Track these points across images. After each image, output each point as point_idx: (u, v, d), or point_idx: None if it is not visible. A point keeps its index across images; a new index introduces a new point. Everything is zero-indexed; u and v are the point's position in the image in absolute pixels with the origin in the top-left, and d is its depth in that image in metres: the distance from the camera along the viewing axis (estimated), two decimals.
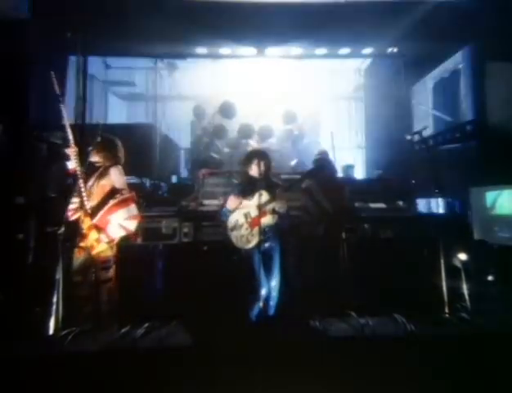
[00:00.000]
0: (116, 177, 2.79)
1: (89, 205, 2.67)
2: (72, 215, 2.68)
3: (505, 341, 2.05)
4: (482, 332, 2.19)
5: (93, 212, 2.66)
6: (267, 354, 1.92)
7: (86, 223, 2.63)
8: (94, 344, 1.96)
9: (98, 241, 2.62)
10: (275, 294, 2.95)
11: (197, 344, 2.03)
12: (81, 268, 2.67)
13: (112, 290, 2.73)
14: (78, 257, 2.68)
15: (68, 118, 2.71)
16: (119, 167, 2.85)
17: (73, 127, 2.83)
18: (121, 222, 2.68)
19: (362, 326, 2.14)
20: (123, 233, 2.71)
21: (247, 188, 3.06)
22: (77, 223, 2.69)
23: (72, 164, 2.70)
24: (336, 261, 3.40)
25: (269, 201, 2.93)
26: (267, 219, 2.93)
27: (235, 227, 3.00)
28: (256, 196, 2.95)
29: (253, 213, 2.96)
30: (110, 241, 2.68)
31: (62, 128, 2.70)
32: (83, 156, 2.75)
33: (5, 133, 4.05)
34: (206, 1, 4.43)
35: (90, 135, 3.46)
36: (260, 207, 2.91)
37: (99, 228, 2.64)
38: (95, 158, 2.84)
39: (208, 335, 2.11)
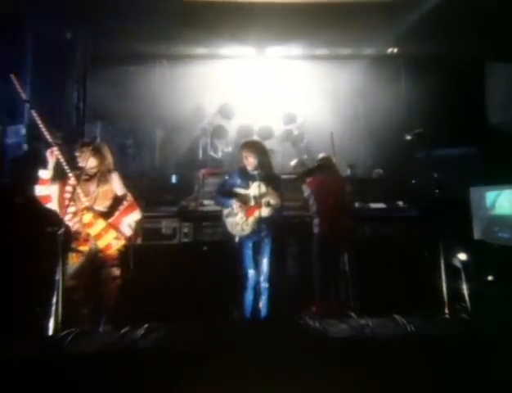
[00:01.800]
0: (118, 182, 2.92)
1: (96, 207, 2.79)
2: (71, 220, 2.73)
3: (505, 342, 2.05)
4: (482, 332, 2.19)
5: (107, 213, 2.81)
6: (267, 354, 1.91)
7: (99, 224, 2.74)
8: (94, 344, 1.96)
9: (118, 238, 2.80)
10: (266, 285, 2.97)
11: (197, 344, 2.02)
12: (77, 273, 2.71)
13: (119, 287, 2.84)
14: (76, 261, 2.72)
15: (40, 120, 2.66)
16: (117, 172, 2.96)
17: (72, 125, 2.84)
18: (130, 223, 2.89)
19: (362, 326, 2.14)
20: (130, 232, 2.90)
21: (245, 177, 3.07)
22: (76, 226, 2.75)
23: (46, 174, 2.71)
24: (336, 261, 3.40)
25: (265, 194, 2.94)
26: (262, 211, 2.95)
27: (231, 214, 3.04)
28: (254, 187, 2.97)
29: (249, 203, 2.98)
30: (126, 239, 2.85)
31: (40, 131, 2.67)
32: (75, 158, 2.83)
33: (4, 133, 4.05)
34: (206, 1, 4.42)
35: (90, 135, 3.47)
36: (256, 198, 2.93)
37: (116, 228, 2.80)
38: (88, 163, 2.84)
39: (207, 335, 2.11)
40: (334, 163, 3.61)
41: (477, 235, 4.10)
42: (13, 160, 4.12)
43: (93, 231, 2.73)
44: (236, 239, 3.05)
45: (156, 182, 5.20)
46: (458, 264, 3.19)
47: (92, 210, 2.75)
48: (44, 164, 2.72)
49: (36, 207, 3.88)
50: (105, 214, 2.80)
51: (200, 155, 5.66)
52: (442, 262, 2.70)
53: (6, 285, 3.20)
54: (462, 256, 3.35)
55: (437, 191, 2.86)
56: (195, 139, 5.87)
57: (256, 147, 3.12)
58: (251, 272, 2.97)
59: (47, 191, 2.73)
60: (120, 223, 2.83)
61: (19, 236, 3.80)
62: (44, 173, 2.72)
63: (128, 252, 2.98)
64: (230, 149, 5.84)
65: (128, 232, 2.87)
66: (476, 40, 5.08)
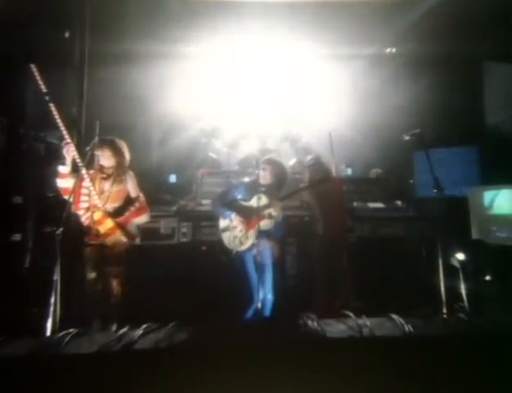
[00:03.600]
0: (133, 183, 2.99)
1: (107, 206, 2.86)
2: (83, 215, 2.84)
3: (502, 341, 2.06)
4: (480, 332, 2.19)
5: (116, 213, 2.88)
6: (266, 354, 1.91)
7: (107, 223, 2.81)
8: (92, 345, 1.95)
9: (127, 236, 2.87)
10: (270, 297, 2.94)
11: (195, 345, 2.02)
12: (96, 265, 2.83)
13: (123, 283, 2.91)
14: (92, 254, 2.84)
15: (59, 115, 2.73)
16: (132, 173, 3.03)
17: (70, 125, 2.89)
18: (139, 224, 2.98)
19: (360, 326, 2.14)
20: (137, 234, 2.98)
21: (251, 192, 3.04)
22: (88, 223, 2.82)
23: (65, 169, 2.81)
24: (336, 262, 3.40)
25: (267, 206, 2.91)
26: (263, 223, 2.91)
27: (228, 228, 2.98)
28: (254, 199, 2.93)
29: (250, 215, 2.94)
30: (131, 239, 2.91)
31: (57, 126, 2.74)
32: (84, 155, 2.84)
33: (2, 132, 4.04)
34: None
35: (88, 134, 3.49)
36: (258, 210, 2.88)
37: (122, 228, 2.86)
38: (108, 162, 2.94)
39: (206, 336, 2.11)
40: (323, 162, 3.57)
41: (475, 235, 4.12)
42: (11, 159, 4.11)
43: (102, 229, 2.81)
44: (234, 253, 3.00)
45: (154, 181, 5.19)
46: (456, 264, 3.19)
47: (102, 209, 2.82)
48: (62, 160, 2.82)
49: (34, 207, 3.89)
50: (114, 214, 2.87)
51: (199, 155, 5.65)
52: (441, 261, 2.70)
53: (3, 285, 3.20)
54: (460, 256, 3.36)
55: (435, 190, 2.86)
56: (193, 139, 5.86)
57: (278, 167, 3.13)
58: (253, 287, 2.90)
59: (66, 183, 2.82)
60: (128, 224, 2.89)
61: (17, 235, 3.79)
62: (63, 169, 2.83)
63: (132, 252, 3.01)
64: (228, 149, 5.83)
65: (135, 233, 2.95)
66: (475, 40, 5.08)
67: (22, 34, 4.25)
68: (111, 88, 5.15)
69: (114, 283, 2.87)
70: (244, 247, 2.94)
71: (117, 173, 2.94)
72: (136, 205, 2.93)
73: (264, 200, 2.91)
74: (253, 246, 2.89)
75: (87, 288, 2.81)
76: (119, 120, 5.17)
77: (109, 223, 2.82)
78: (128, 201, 2.95)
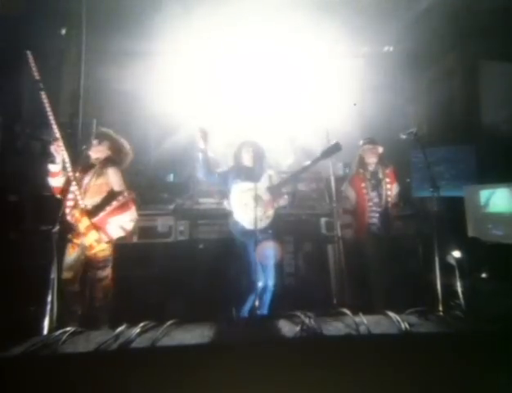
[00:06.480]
0: (115, 178, 2.77)
1: (85, 203, 2.66)
2: (69, 213, 2.67)
3: (498, 339, 2.07)
4: (475, 329, 2.21)
5: (93, 212, 2.65)
6: (264, 353, 1.92)
7: (83, 222, 2.61)
8: (89, 344, 1.95)
9: (99, 241, 2.63)
10: (271, 287, 2.94)
11: (193, 343, 2.02)
12: (73, 265, 2.66)
13: (107, 288, 2.73)
14: (72, 253, 2.67)
15: (51, 108, 2.58)
16: (118, 168, 2.83)
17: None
18: (122, 224, 2.70)
19: (357, 324, 2.15)
20: (121, 234, 2.71)
21: (244, 176, 3.03)
22: (71, 220, 2.69)
23: (55, 167, 2.67)
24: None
25: (279, 185, 2.94)
26: (282, 201, 2.95)
27: (245, 205, 2.91)
28: (265, 178, 2.94)
29: (265, 195, 2.93)
30: (110, 241, 2.68)
31: (48, 121, 2.58)
32: (76, 152, 2.79)
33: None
34: None
35: (85, 132, 3.45)
36: (272, 189, 2.90)
37: (98, 228, 2.63)
38: (95, 154, 2.82)
39: (204, 334, 2.11)
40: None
41: (471, 232, 4.15)
42: (7, 157, 4.09)
43: (81, 227, 2.64)
44: (239, 238, 2.98)
45: (152, 180, 5.18)
46: (452, 262, 3.21)
47: (80, 206, 2.62)
48: (51, 158, 2.68)
49: (30, 205, 3.87)
50: (91, 213, 2.65)
51: (196, 153, 5.63)
52: (436, 259, 2.72)
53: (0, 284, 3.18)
54: (456, 254, 3.38)
55: (431, 189, 2.88)
56: (191, 137, 5.85)
57: (259, 146, 3.12)
58: (258, 274, 2.88)
59: (58, 182, 2.72)
60: (106, 224, 2.65)
61: (13, 234, 3.77)
62: (53, 167, 2.69)
63: (115, 253, 2.83)
64: (225, 148, 5.82)
65: (118, 233, 2.69)
66: (473, 39, 5.10)
67: (18, 31, 4.22)
68: (110, 86, 5.14)
69: (98, 289, 2.68)
70: (261, 226, 2.84)
71: (99, 166, 2.77)
72: (120, 199, 2.68)
73: (275, 178, 3.00)
74: (264, 227, 2.86)
75: (64, 289, 2.57)
76: (116, 118, 5.17)
77: (84, 223, 2.61)
78: (109, 198, 2.71)
